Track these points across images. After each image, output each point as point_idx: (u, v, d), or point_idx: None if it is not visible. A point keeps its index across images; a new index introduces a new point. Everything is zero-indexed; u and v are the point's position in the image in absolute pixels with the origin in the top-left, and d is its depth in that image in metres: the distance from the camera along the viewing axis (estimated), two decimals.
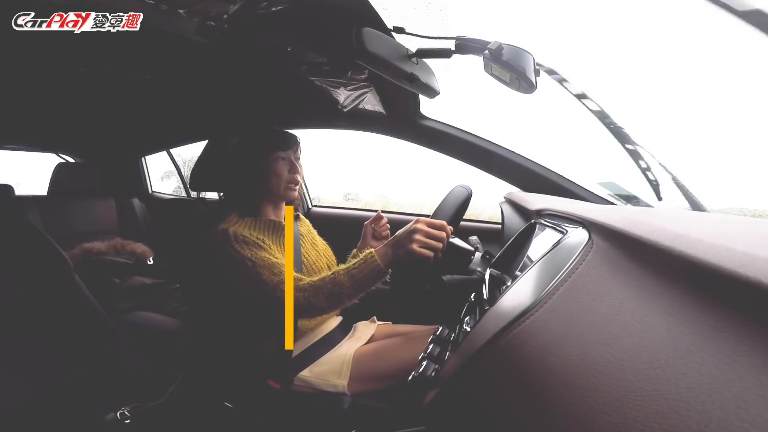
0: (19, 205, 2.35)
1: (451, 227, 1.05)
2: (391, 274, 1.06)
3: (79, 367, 1.24)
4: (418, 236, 1.00)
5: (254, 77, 1.58)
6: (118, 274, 1.96)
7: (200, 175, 1.46)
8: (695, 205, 1.24)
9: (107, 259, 2.00)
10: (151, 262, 2.11)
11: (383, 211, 1.42)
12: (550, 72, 1.29)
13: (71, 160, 3.15)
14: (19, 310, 1.23)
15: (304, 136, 1.40)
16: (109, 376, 1.20)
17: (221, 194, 1.39)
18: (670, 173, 1.31)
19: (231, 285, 1.14)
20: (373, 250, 1.05)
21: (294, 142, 1.30)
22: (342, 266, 1.09)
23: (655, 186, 1.34)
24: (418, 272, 1.12)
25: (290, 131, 1.33)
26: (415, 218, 1.04)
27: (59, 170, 2.59)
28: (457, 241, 1.15)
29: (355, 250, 1.39)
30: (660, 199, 1.34)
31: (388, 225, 1.38)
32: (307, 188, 2.42)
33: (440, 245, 1.01)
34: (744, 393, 0.21)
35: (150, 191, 3.26)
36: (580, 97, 1.35)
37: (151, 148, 3.10)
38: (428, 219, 1.04)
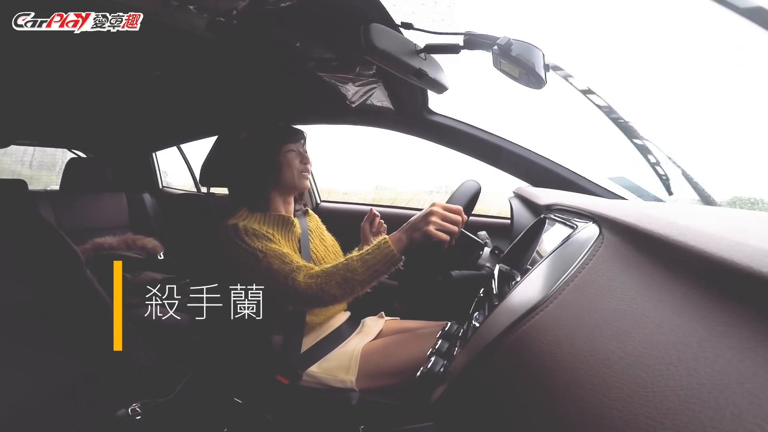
0: (31, 199, 2.38)
1: (465, 216, 1.05)
2: (401, 264, 1.05)
3: (90, 362, 1.25)
4: (434, 218, 1.00)
5: (263, 73, 1.58)
6: (129, 269, 1.98)
7: (211, 170, 1.47)
8: (706, 199, 1.23)
9: (118, 254, 2.02)
10: (162, 257, 2.12)
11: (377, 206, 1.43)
12: (555, 68, 1.28)
13: (83, 155, 3.18)
14: (31, 305, 1.24)
15: (331, 130, 1.43)
16: (119, 372, 1.21)
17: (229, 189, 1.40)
18: (679, 167, 1.30)
19: (241, 280, 1.15)
20: (386, 236, 1.05)
21: (302, 136, 1.35)
22: (355, 253, 1.09)
23: (665, 180, 1.33)
24: (430, 262, 1.12)
25: (298, 127, 1.37)
26: (432, 202, 1.04)
27: (71, 165, 2.62)
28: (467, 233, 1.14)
29: (356, 249, 1.39)
30: (671, 193, 1.32)
31: (383, 222, 1.39)
32: (315, 183, 2.43)
33: (456, 229, 1.01)
34: (757, 389, 0.21)
35: (161, 186, 3.28)
36: (586, 92, 1.33)
37: (162, 143, 3.13)
38: (444, 204, 1.04)
